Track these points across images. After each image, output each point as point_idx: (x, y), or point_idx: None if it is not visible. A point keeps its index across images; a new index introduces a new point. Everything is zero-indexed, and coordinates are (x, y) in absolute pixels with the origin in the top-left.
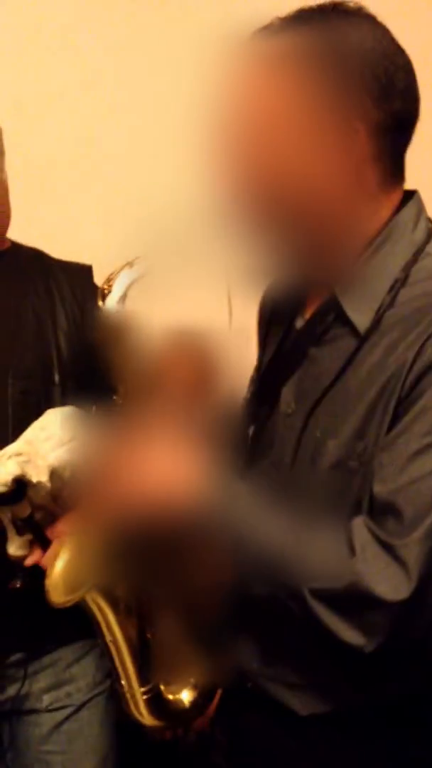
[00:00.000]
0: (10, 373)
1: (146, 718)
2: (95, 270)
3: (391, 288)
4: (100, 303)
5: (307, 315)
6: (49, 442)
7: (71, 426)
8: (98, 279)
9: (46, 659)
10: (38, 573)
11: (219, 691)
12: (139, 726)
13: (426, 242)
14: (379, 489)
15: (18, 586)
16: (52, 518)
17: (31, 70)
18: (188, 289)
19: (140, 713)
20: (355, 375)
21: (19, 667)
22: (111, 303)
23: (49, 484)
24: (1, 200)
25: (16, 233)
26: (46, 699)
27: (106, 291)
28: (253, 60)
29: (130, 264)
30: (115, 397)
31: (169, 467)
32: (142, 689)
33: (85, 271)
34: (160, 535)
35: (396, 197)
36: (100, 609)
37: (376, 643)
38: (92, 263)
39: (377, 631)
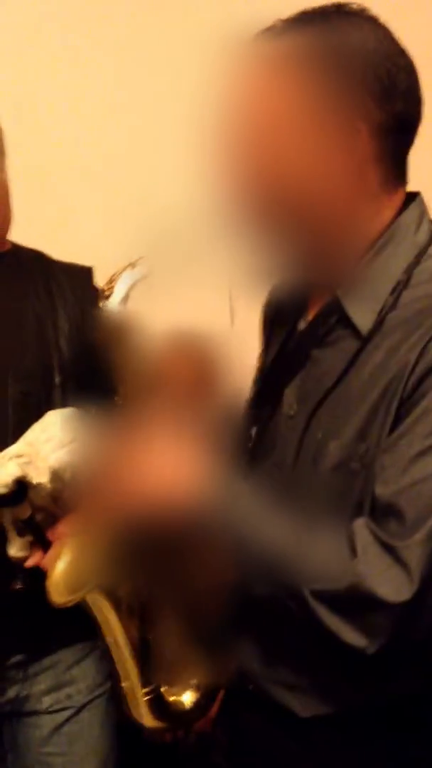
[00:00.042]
0: (10, 375)
1: (147, 720)
2: (96, 271)
3: (394, 290)
4: (101, 303)
5: (310, 317)
6: (50, 443)
7: (72, 427)
8: (99, 280)
9: (47, 661)
10: (39, 575)
11: (220, 693)
12: (139, 727)
13: (428, 244)
14: (381, 491)
15: (18, 587)
16: (53, 520)
17: (33, 71)
18: (190, 290)
19: (141, 715)
20: (357, 376)
21: (19, 669)
22: (113, 303)
23: (49, 486)
24: (2, 201)
25: (17, 234)
26: (47, 701)
27: (107, 291)
28: (255, 61)
29: (132, 265)
30: (116, 398)
31: (171, 467)
32: (144, 690)
33: (86, 272)
34: (162, 536)
35: (398, 198)
36: (102, 610)
37: (378, 645)
38: (93, 265)
39: (379, 632)
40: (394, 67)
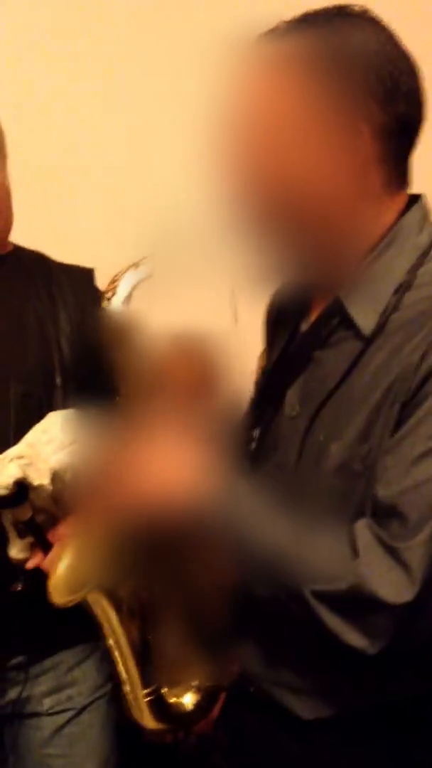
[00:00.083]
0: (11, 376)
1: (149, 722)
2: (98, 273)
3: (396, 291)
4: (104, 303)
5: (313, 318)
6: (51, 445)
7: (73, 428)
8: (100, 282)
9: (48, 662)
10: (39, 576)
11: (222, 695)
12: (140, 729)
13: (431, 246)
14: (383, 492)
15: (19, 589)
16: (54, 521)
17: (34, 72)
18: (193, 291)
19: (142, 716)
20: (360, 378)
21: (20, 671)
22: (116, 304)
23: (50, 487)
24: (3, 203)
25: (18, 236)
26: (48, 702)
27: (110, 292)
28: (258, 62)
29: (135, 265)
30: (117, 399)
31: (173, 468)
32: (145, 692)
33: (87, 274)
34: (164, 536)
35: (401, 200)
36: (103, 611)
37: (379, 646)
38: (95, 266)
39: (380, 633)
40: (396, 68)
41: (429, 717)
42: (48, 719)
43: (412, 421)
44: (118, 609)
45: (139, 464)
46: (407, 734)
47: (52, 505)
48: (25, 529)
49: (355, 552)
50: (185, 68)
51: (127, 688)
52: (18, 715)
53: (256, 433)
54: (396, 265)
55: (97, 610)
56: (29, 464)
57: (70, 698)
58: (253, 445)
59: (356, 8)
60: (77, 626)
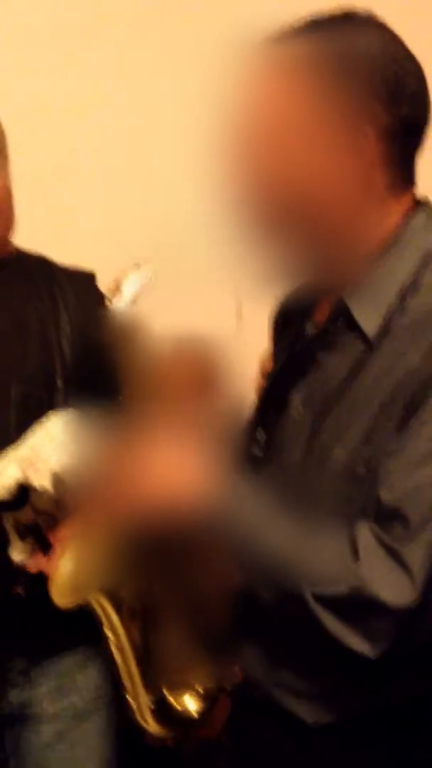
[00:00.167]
0: (12, 377)
1: (151, 726)
2: (100, 275)
3: (400, 293)
4: (108, 304)
5: (317, 320)
6: (52, 446)
7: (74, 430)
8: (101, 284)
9: (49, 666)
10: (41, 578)
11: (226, 701)
12: (142, 733)
13: None
14: (386, 495)
15: (20, 591)
16: (55, 523)
17: (36, 72)
18: (197, 293)
19: (145, 721)
20: (363, 380)
21: (21, 674)
22: (120, 305)
23: (51, 489)
24: (5, 205)
25: (19, 237)
26: (49, 707)
27: (114, 293)
28: (263, 65)
29: (139, 266)
30: (120, 400)
31: (175, 470)
32: (147, 696)
33: (89, 277)
34: (166, 539)
35: (406, 202)
36: (105, 613)
37: (381, 649)
38: (98, 268)
39: (381, 637)
40: (401, 70)
41: (429, 717)
42: (49, 724)
43: (415, 423)
44: (120, 611)
45: (141, 466)
46: (407, 735)
47: (53, 506)
48: (26, 531)
49: (356, 554)
50: (190, 70)
51: (129, 691)
52: (19, 718)
53: (260, 434)
54: (400, 267)
55: (99, 612)
56: (30, 466)
57: (71, 701)
58: (257, 446)
59: (361, 12)
60: (79, 629)
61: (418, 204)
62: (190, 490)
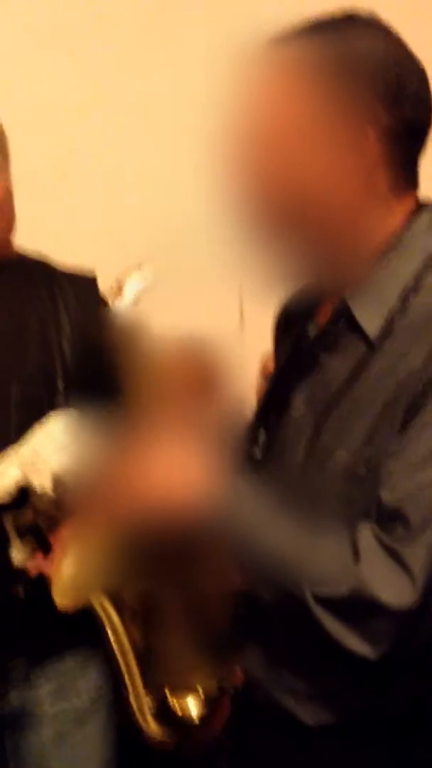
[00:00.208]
0: (13, 378)
1: (152, 728)
2: (101, 276)
3: (402, 294)
4: (110, 305)
5: (319, 321)
6: (53, 447)
7: (75, 431)
8: (102, 284)
9: (49, 666)
10: (41, 579)
11: (227, 704)
12: (142, 734)
13: None
14: (387, 496)
15: (20, 592)
16: (55, 524)
17: (37, 75)
18: (200, 294)
19: (146, 722)
20: (365, 381)
21: (21, 674)
22: (122, 306)
23: (52, 490)
24: (6, 207)
25: (20, 238)
26: (49, 708)
27: (116, 293)
28: (265, 67)
29: (141, 267)
30: (121, 401)
31: (176, 470)
32: (149, 697)
33: (90, 279)
34: (168, 539)
35: (409, 204)
36: (107, 614)
37: (381, 651)
38: (99, 270)
39: (381, 638)
40: (403, 72)
41: (429, 718)
42: (49, 726)
43: (416, 424)
44: (121, 612)
45: (142, 466)
46: (407, 735)
47: (53, 507)
48: (27, 532)
49: (356, 555)
50: (191, 71)
51: (130, 692)
52: (19, 718)
53: (261, 435)
54: (403, 268)
55: (101, 614)
56: (31, 468)
57: (71, 702)
58: (259, 447)
59: (364, 14)
60: (79, 630)
61: (421, 205)
62: (191, 491)
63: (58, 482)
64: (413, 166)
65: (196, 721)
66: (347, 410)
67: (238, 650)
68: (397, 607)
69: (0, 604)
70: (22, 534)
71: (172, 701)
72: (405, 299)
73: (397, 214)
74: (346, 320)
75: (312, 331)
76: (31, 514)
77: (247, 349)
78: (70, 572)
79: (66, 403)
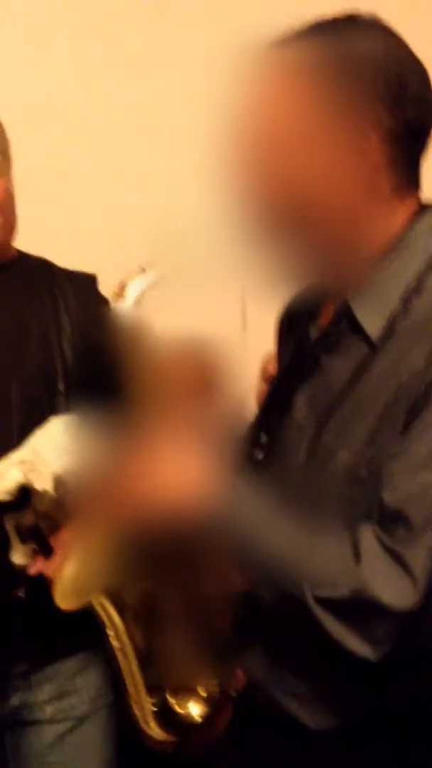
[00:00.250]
0: (14, 380)
1: (154, 730)
2: (103, 279)
3: (404, 296)
4: (112, 306)
5: (321, 322)
6: (54, 449)
7: (76, 433)
8: (104, 287)
9: (49, 670)
10: (41, 581)
11: (229, 707)
12: (142, 737)
13: None
14: (389, 497)
15: (21, 595)
16: (56, 526)
17: (37, 76)
18: (203, 296)
19: (148, 725)
20: (367, 383)
21: (22, 678)
22: (124, 307)
23: (53, 492)
24: (7, 209)
25: (21, 239)
26: (49, 710)
27: (119, 295)
28: (266, 68)
29: (144, 269)
30: (122, 403)
31: (177, 471)
32: (150, 700)
33: (90, 279)
34: (169, 540)
35: (411, 205)
36: (109, 616)
37: (382, 652)
38: (101, 272)
39: (382, 640)
40: (404, 73)
41: (429, 718)
42: (49, 727)
43: (418, 425)
44: (124, 614)
45: (143, 467)
46: (407, 736)
47: (54, 510)
48: (28, 534)
49: (357, 556)
50: (193, 72)
51: (131, 695)
52: (19, 722)
53: (263, 437)
54: (405, 269)
55: (102, 616)
56: (32, 469)
57: (71, 706)
58: (260, 449)
59: (365, 16)
60: (79, 633)
61: (424, 206)
62: (191, 491)
63: (59, 483)
64: (415, 167)
65: (198, 723)
66: (349, 411)
67: (239, 651)
68: (398, 608)
69: (0, 605)
70: (22, 536)
71: (174, 704)
72: (407, 300)
73: (399, 215)
74: (347, 321)
75: (314, 332)
76: (32, 516)
77: (249, 350)
78: (71, 573)
79: (66, 404)
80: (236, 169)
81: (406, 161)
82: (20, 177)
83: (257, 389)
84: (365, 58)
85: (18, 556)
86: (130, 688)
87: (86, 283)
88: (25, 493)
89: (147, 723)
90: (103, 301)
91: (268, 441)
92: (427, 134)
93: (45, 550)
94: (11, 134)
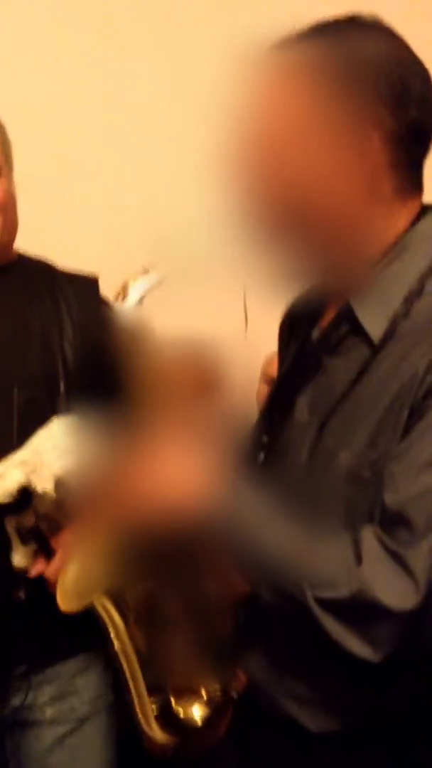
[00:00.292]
0: (15, 382)
1: (155, 732)
2: (105, 280)
3: (406, 298)
4: (114, 308)
5: (323, 324)
6: (55, 450)
7: (77, 434)
8: (105, 288)
9: (50, 671)
10: (42, 583)
11: (230, 710)
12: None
13: None
14: (390, 499)
15: (21, 596)
16: (57, 528)
17: (37, 75)
18: (204, 297)
19: (149, 727)
20: (368, 385)
21: (22, 679)
22: (126, 308)
23: (54, 494)
24: (10, 212)
25: (21, 240)
26: (50, 711)
27: (121, 296)
28: (268, 70)
29: (146, 270)
30: (123, 404)
31: (178, 472)
32: (152, 702)
33: (91, 281)
34: (171, 542)
35: (413, 207)
36: (111, 618)
37: (383, 653)
38: (102, 273)
39: (384, 641)
40: (406, 75)
41: (429, 718)
42: (50, 728)
43: (419, 427)
44: (125, 616)
45: (144, 469)
46: (408, 736)
47: (55, 511)
48: (28, 535)
49: (358, 558)
50: (194, 73)
51: (132, 697)
52: (20, 723)
53: (265, 439)
54: (407, 271)
55: (104, 617)
56: (33, 470)
57: (72, 707)
58: (262, 450)
59: (367, 17)
60: (80, 635)
61: (426, 208)
62: (192, 492)
63: (60, 485)
64: (418, 168)
65: (199, 725)
66: (350, 413)
67: (240, 653)
68: (400, 609)
69: (1, 606)
70: (23, 537)
71: (176, 706)
72: (409, 303)
73: (401, 217)
74: (349, 323)
75: (316, 334)
76: (33, 517)
77: (251, 351)
78: (72, 575)
79: (68, 405)
80: (238, 170)
81: (408, 163)
82: (21, 178)
83: (258, 390)
84: (367, 60)
85: (19, 558)
86: (132, 690)
87: (87, 284)
88: (26, 495)
89: (148, 725)
90: (104, 303)
91: (269, 442)
92: (429, 136)
93: (46, 551)
94: (12, 135)
